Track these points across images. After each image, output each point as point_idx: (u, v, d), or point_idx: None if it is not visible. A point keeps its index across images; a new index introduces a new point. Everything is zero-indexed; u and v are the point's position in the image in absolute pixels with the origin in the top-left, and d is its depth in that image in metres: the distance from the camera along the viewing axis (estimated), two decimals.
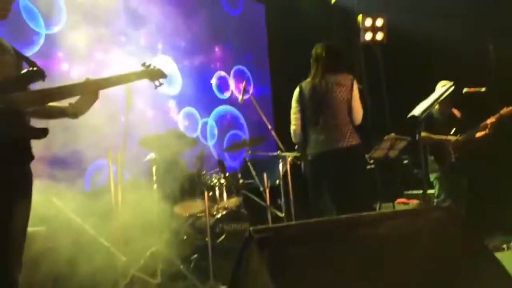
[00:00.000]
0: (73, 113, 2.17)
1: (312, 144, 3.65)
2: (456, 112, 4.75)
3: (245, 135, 6.57)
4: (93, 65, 4.83)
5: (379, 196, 5.38)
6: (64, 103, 2.15)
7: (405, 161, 5.54)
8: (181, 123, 5.95)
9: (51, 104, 2.12)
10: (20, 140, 1.95)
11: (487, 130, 4.42)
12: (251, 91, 4.72)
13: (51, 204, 3.54)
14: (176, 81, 5.88)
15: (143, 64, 2.52)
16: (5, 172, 1.89)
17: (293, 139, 3.86)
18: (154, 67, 2.53)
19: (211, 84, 6.43)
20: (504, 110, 4.43)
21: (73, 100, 2.16)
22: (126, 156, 3.79)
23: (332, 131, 3.58)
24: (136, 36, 5.33)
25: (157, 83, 2.53)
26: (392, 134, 4.93)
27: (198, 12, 6.14)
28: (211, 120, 6.36)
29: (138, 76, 2.43)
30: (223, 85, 6.61)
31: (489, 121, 4.44)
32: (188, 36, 6.03)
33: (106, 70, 4.69)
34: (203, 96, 6.23)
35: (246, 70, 6.88)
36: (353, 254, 1.85)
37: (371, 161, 5.22)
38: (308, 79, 3.75)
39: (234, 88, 6.66)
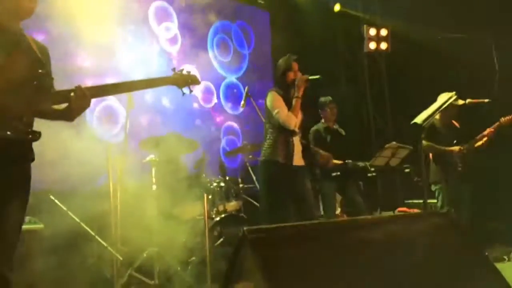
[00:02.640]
0: (69, 117, 2.18)
1: None
2: (455, 123, 4.76)
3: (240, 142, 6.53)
4: None
5: (379, 204, 5.36)
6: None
7: (407, 170, 5.52)
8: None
9: (55, 106, 2.15)
10: (20, 141, 1.96)
11: (484, 140, 4.44)
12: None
13: (50, 201, 3.55)
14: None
15: (173, 69, 2.42)
16: (3, 171, 1.92)
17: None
18: (189, 72, 2.42)
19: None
20: (503, 119, 4.43)
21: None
22: (126, 157, 3.79)
23: None
24: None
25: (185, 90, 2.40)
26: (394, 143, 4.92)
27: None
28: None
29: (164, 81, 2.37)
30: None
31: (487, 131, 4.45)
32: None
33: None
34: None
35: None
36: (348, 256, 1.84)
37: (372, 169, 5.21)
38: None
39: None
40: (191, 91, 2.41)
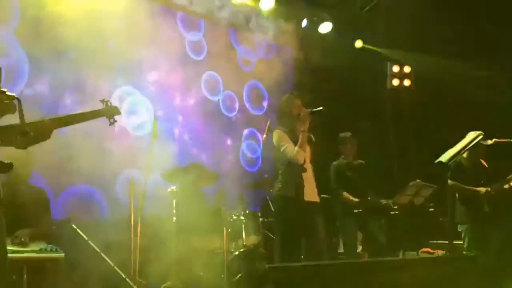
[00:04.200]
0: (21, 145, 2.21)
1: None
2: (483, 162, 4.66)
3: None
4: None
5: (402, 244, 5.21)
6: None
7: (431, 209, 5.38)
8: None
9: None
10: None
11: None
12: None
13: (71, 230, 3.57)
14: None
15: (102, 101, 2.62)
16: None
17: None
18: (111, 104, 2.63)
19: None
20: None
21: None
22: (147, 188, 3.82)
23: None
24: None
25: (112, 120, 2.63)
26: (418, 181, 4.83)
27: None
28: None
29: (95, 114, 2.54)
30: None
31: None
32: None
33: None
34: None
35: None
36: None
37: (395, 207, 5.10)
38: None
39: None
40: (115, 121, 2.65)
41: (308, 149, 3.71)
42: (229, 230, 4.33)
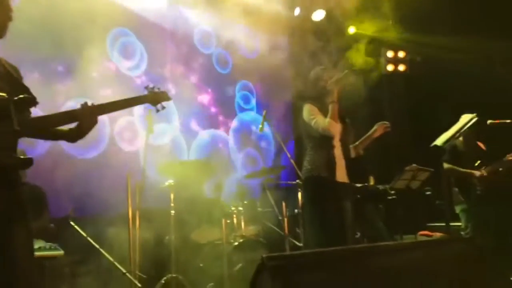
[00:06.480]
0: (71, 137, 2.20)
1: None
2: (481, 144, 4.67)
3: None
4: None
5: (400, 228, 5.24)
6: (65, 127, 2.19)
7: (428, 193, 5.40)
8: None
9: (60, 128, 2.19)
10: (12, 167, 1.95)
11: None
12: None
13: (69, 227, 3.58)
14: None
15: (147, 87, 2.43)
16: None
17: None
18: (159, 89, 2.44)
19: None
20: None
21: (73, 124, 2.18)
22: (145, 182, 3.82)
23: None
24: None
25: (159, 106, 2.43)
26: (414, 165, 4.84)
27: None
28: None
29: (139, 100, 2.38)
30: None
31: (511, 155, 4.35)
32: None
33: None
34: None
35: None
36: (367, 284, 1.80)
37: (393, 192, 5.11)
38: None
39: None
40: (163, 107, 2.44)
41: (339, 126, 3.47)
42: (228, 221, 4.35)
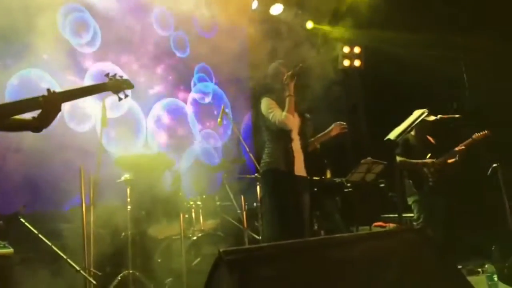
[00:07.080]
0: (35, 126, 2.12)
1: None
2: (430, 138, 4.86)
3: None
4: None
5: (356, 219, 5.39)
6: (27, 116, 2.10)
7: (382, 185, 5.58)
8: None
9: (13, 117, 2.08)
10: None
11: (457, 157, 4.54)
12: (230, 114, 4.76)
13: (20, 224, 3.43)
14: None
15: (107, 75, 2.37)
16: None
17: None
18: (121, 77, 2.39)
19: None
20: (476, 135, 4.55)
21: (35, 113, 2.11)
22: (100, 176, 3.71)
23: None
24: None
25: (121, 95, 2.38)
26: (369, 158, 4.98)
27: None
28: None
29: (99, 88, 2.31)
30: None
31: (459, 147, 4.56)
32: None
33: None
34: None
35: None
36: (324, 276, 1.83)
37: (348, 185, 5.25)
38: None
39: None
40: (126, 95, 2.39)
41: (297, 119, 3.54)
42: (186, 215, 4.31)
